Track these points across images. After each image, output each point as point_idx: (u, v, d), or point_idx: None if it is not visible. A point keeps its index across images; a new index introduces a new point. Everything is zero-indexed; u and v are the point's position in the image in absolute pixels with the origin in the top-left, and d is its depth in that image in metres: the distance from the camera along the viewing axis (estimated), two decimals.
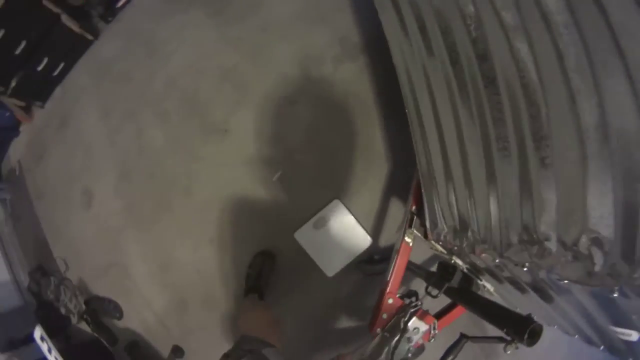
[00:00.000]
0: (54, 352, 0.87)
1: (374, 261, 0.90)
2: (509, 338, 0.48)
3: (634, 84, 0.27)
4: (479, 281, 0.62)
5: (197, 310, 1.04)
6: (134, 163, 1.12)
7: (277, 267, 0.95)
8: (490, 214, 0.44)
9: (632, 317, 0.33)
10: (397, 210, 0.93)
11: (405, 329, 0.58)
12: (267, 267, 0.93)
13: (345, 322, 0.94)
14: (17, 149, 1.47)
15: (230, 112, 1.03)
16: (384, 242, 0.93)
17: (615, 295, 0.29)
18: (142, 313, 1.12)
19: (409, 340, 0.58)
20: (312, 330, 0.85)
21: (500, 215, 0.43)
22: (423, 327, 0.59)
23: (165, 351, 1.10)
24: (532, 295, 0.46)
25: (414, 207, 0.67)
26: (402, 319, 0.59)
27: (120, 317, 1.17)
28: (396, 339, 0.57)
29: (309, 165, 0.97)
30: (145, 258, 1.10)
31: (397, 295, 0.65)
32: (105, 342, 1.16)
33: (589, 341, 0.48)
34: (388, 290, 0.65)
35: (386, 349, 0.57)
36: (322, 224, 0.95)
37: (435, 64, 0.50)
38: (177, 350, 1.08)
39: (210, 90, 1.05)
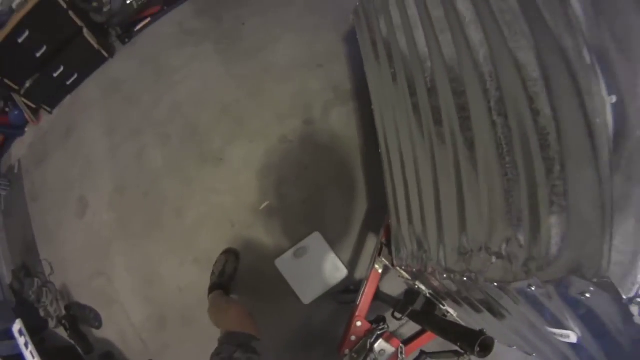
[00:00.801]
0: (31, 347, 0.88)
1: (349, 291, 0.94)
2: (462, 351, 0.52)
3: None
4: (441, 307, 0.67)
5: (176, 327, 1.05)
6: (131, 179, 1.16)
7: (241, 265, 0.98)
8: (437, 235, 0.53)
9: (560, 317, 0.37)
10: (373, 246, 0.99)
11: (371, 350, 0.62)
12: (230, 265, 0.95)
13: (316, 348, 0.96)
14: (19, 148, 1.50)
15: (226, 143, 1.10)
16: (359, 274, 0.98)
17: (533, 288, 0.34)
18: (120, 325, 1.13)
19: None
20: (284, 353, 0.88)
21: (444, 235, 0.51)
22: (389, 349, 0.63)
23: None
24: (487, 314, 0.51)
25: (384, 239, 0.73)
26: (369, 340, 0.63)
27: (99, 326, 1.17)
28: (362, 359, 0.61)
29: (294, 198, 1.03)
30: (131, 271, 1.12)
31: (366, 320, 0.69)
32: (80, 350, 1.16)
33: (548, 359, 0.51)
34: (357, 313, 0.70)
35: None
36: (302, 253, 1.00)
37: (402, 113, 0.61)
38: None
39: (211, 120, 1.12)
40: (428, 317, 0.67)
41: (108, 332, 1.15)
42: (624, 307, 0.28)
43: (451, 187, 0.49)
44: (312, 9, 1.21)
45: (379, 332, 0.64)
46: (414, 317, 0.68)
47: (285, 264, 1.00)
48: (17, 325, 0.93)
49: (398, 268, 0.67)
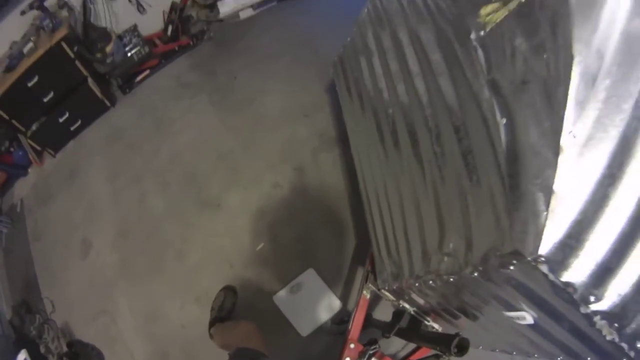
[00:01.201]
0: None
1: (343, 322, 1.01)
2: (441, 353, 0.60)
3: None
4: (426, 322, 0.75)
5: None
6: (134, 223, 1.23)
7: (240, 302, 1.04)
8: (406, 250, 0.64)
9: (511, 300, 0.43)
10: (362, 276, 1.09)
11: None
12: (228, 300, 1.01)
13: None
14: (22, 188, 1.55)
15: (223, 189, 1.20)
16: (352, 305, 1.06)
17: (475, 274, 0.42)
18: None
19: None
20: None
21: (412, 249, 0.62)
22: None
23: None
24: (464, 319, 0.59)
25: (369, 267, 0.82)
26: None
27: None
28: None
29: (288, 238, 1.13)
30: (134, 310, 1.18)
31: (359, 342, 0.76)
32: None
33: (524, 352, 0.59)
34: (350, 336, 0.76)
35: None
36: (298, 289, 1.08)
37: (372, 145, 0.75)
38: None
39: (208, 169, 1.22)
40: (411, 331, 0.75)
41: None
42: (536, 269, 0.32)
43: (411, 207, 0.62)
44: (299, 61, 1.35)
45: (371, 352, 0.71)
46: (401, 333, 0.75)
47: (282, 299, 1.07)
48: (22, 355, 0.96)
49: (383, 290, 0.75)
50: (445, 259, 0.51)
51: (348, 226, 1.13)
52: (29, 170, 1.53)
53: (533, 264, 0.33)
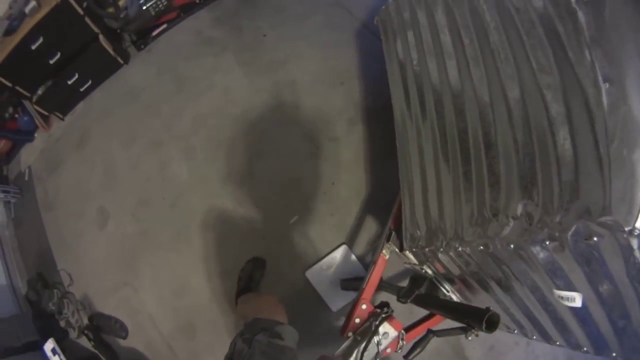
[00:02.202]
0: None
1: (356, 279, 0.95)
2: (469, 327, 0.54)
3: None
4: (445, 292, 0.69)
5: (206, 335, 1.04)
6: (155, 191, 1.12)
7: (267, 272, 0.98)
8: (455, 212, 0.57)
9: (570, 276, 0.40)
10: (394, 257, 1.02)
11: (375, 332, 0.61)
12: (258, 272, 0.97)
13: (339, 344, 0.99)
14: (29, 154, 1.42)
15: (252, 157, 1.07)
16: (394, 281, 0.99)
17: (547, 242, 0.38)
18: (148, 334, 1.11)
19: (379, 343, 0.61)
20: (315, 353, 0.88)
21: (462, 210, 0.55)
22: (392, 332, 0.62)
23: None
24: (495, 290, 0.53)
25: (392, 226, 0.74)
26: (374, 323, 0.62)
27: (126, 336, 1.14)
28: (366, 341, 0.61)
29: (322, 212, 1.03)
30: (157, 282, 1.10)
31: (371, 304, 0.69)
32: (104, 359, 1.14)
33: (546, 337, 0.54)
34: (363, 296, 0.69)
35: (356, 351, 0.60)
36: (331, 264, 1.01)
37: (425, 116, 0.67)
38: None
39: (237, 135, 1.09)
40: (433, 299, 0.68)
41: (134, 341, 1.13)
42: (625, 242, 0.31)
43: (469, 166, 0.55)
44: (331, 22, 1.18)
45: (383, 315, 0.64)
46: (419, 300, 0.68)
47: (315, 274, 1.01)
48: (50, 344, 0.89)
49: (407, 252, 0.68)
50: (511, 222, 0.45)
51: (383, 201, 1.03)
52: (35, 135, 1.39)
53: (625, 236, 0.32)
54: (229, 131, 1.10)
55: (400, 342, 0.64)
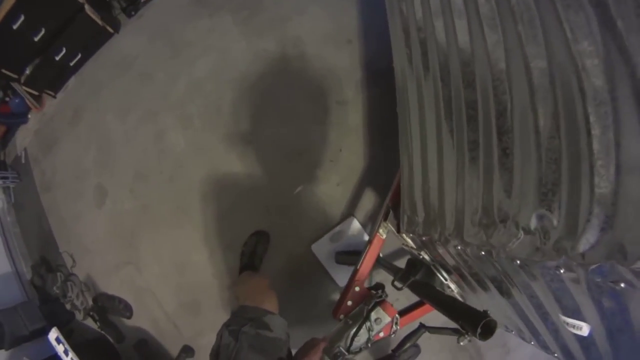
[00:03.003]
0: (71, 354, 0.81)
1: (350, 253, 0.89)
2: (463, 331, 0.47)
3: None
4: (444, 280, 0.61)
5: (211, 312, 1.00)
6: (153, 164, 1.04)
7: (271, 246, 0.93)
8: (457, 204, 0.46)
9: (580, 306, 0.33)
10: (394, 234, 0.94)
11: (367, 317, 0.56)
12: (261, 246, 0.91)
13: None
14: (24, 136, 1.35)
15: (254, 123, 0.98)
16: (392, 258, 0.93)
17: (562, 271, 0.29)
18: (152, 312, 1.06)
19: (370, 329, 0.56)
20: (319, 330, 0.82)
21: (465, 204, 0.45)
22: (385, 318, 0.57)
23: (174, 350, 1.05)
24: (493, 293, 0.46)
25: (390, 202, 0.66)
26: (366, 307, 0.57)
27: (130, 316, 1.11)
28: (357, 326, 0.56)
29: (328, 182, 0.95)
30: (160, 260, 1.04)
31: (365, 286, 0.64)
32: (111, 339, 1.10)
33: (545, 347, 0.47)
34: (356, 278, 0.64)
35: (346, 335, 0.55)
36: (338, 238, 0.94)
37: (428, 82, 0.54)
38: (187, 350, 1.03)
39: (235, 100, 1.00)
40: (430, 290, 0.60)
41: (139, 320, 1.09)
42: None
43: (476, 151, 0.42)
44: None
45: (377, 300, 0.58)
46: (415, 288, 0.61)
47: (321, 248, 0.94)
48: (54, 334, 0.85)
49: (404, 235, 0.60)
50: (521, 235, 0.34)
51: (394, 170, 0.94)
52: (29, 115, 1.32)
53: None
54: (228, 97, 1.01)
55: (394, 326, 0.58)
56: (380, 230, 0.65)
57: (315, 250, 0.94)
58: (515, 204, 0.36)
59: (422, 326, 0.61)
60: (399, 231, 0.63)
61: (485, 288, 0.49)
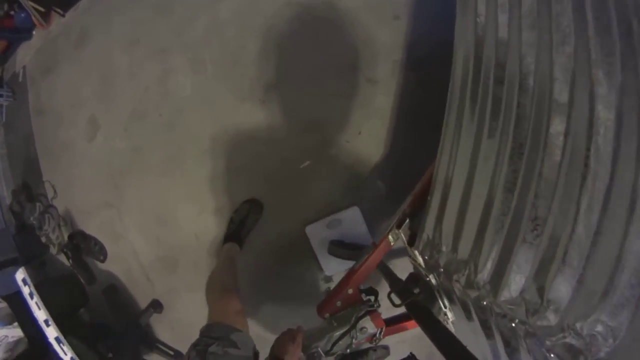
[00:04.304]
0: (36, 298, 0.73)
1: (343, 245, 0.82)
2: None
3: None
4: (443, 307, 0.54)
5: (187, 272, 0.92)
6: (153, 104, 0.92)
7: (263, 217, 0.85)
8: (502, 252, 0.36)
9: None
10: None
11: (354, 325, 0.53)
12: (252, 217, 0.84)
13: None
14: (25, 53, 1.21)
15: (271, 83, 0.86)
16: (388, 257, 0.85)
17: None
18: (127, 261, 0.98)
19: (353, 337, 0.53)
20: (296, 316, 0.75)
21: (509, 263, 0.35)
22: (371, 328, 0.53)
23: (143, 303, 0.98)
24: (498, 346, 0.38)
25: (408, 209, 0.58)
26: (356, 314, 0.54)
27: (104, 260, 1.03)
28: (342, 331, 0.52)
29: (339, 164, 0.84)
30: (143, 209, 0.95)
31: (359, 289, 0.58)
32: (82, 280, 1.03)
33: None
34: (352, 279, 0.58)
35: (328, 337, 0.52)
36: (335, 225, 0.85)
37: (494, 116, 0.43)
38: (156, 305, 0.97)
39: (257, 53, 0.87)
40: (430, 318, 0.53)
41: (112, 266, 1.01)
42: None
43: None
44: None
45: (369, 309, 0.54)
46: (414, 310, 0.54)
47: (315, 232, 0.85)
48: (21, 275, 0.77)
49: (416, 251, 0.52)
50: (569, 338, 0.27)
51: (414, 171, 0.84)
52: (34, 32, 1.19)
53: None
54: (250, 47, 0.88)
55: (378, 336, 0.53)
56: (390, 237, 0.57)
57: (308, 233, 0.86)
58: (576, 302, 0.28)
59: (413, 356, 0.54)
60: (411, 245, 0.54)
61: (489, 337, 0.40)
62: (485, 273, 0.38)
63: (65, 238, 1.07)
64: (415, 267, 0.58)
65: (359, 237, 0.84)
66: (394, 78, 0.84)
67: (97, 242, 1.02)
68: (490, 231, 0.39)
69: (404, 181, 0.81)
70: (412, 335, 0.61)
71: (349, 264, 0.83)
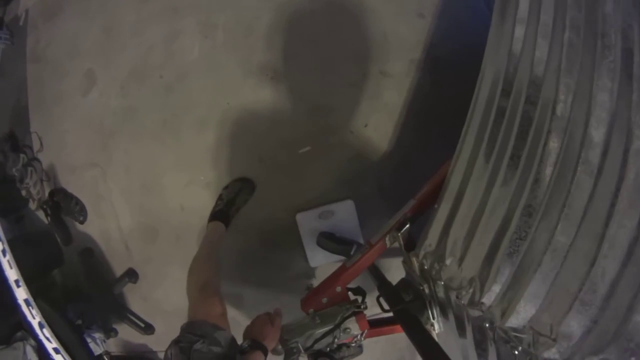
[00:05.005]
0: (9, 256, 0.67)
1: (333, 238, 0.78)
2: None
3: None
4: (431, 318, 0.52)
5: (167, 244, 0.87)
6: (154, 64, 0.86)
7: (253, 199, 0.80)
8: (503, 280, 0.34)
9: None
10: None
11: (338, 325, 0.50)
12: (242, 196, 0.79)
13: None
14: None
15: (284, 59, 0.81)
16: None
17: None
18: (107, 225, 0.92)
19: (336, 337, 0.50)
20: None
21: (521, 290, 0.32)
22: (355, 330, 0.51)
23: (119, 270, 0.92)
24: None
25: (410, 214, 0.55)
26: (342, 314, 0.51)
27: (83, 221, 0.97)
28: (325, 330, 0.50)
29: (340, 154, 0.80)
30: (129, 172, 0.89)
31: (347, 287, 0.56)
32: (59, 239, 0.97)
33: None
34: (341, 278, 0.55)
35: (309, 333, 0.49)
36: (327, 216, 0.81)
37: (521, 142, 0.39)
38: (132, 274, 0.92)
39: (273, 25, 0.81)
40: (417, 327, 0.50)
41: (91, 228, 0.95)
42: None
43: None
44: None
45: (355, 309, 0.52)
46: (403, 318, 0.52)
47: (306, 221, 0.81)
48: None
49: (413, 258, 0.50)
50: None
51: (417, 172, 0.79)
52: None
53: None
54: (265, 19, 0.82)
55: (359, 337, 0.51)
56: (387, 239, 0.54)
57: (299, 221, 0.81)
58: (591, 345, 0.25)
59: None
60: (408, 249, 0.51)
61: (481, 357, 0.38)
62: (492, 295, 0.35)
63: (47, 194, 1.01)
64: (408, 273, 0.55)
65: (349, 232, 0.81)
66: (409, 76, 0.80)
67: (78, 202, 0.96)
68: (502, 253, 0.35)
69: (403, 182, 0.78)
70: (386, 338, 0.58)
71: (335, 257, 0.80)
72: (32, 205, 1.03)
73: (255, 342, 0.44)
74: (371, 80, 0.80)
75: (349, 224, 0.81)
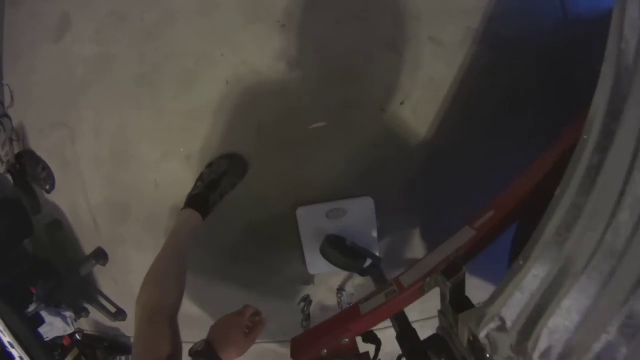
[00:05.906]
0: None
1: (343, 248, 0.57)
2: None
3: None
4: None
5: (139, 224, 0.71)
6: (137, 6, 0.67)
7: (243, 182, 0.60)
8: None
9: None
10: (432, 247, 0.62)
11: None
12: (229, 179, 0.59)
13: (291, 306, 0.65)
14: None
15: (304, 7, 0.58)
16: (390, 272, 0.62)
17: None
18: (74, 196, 0.78)
19: None
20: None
21: None
22: None
23: (88, 248, 0.79)
24: None
25: (463, 251, 0.38)
26: None
27: (50, 190, 0.82)
28: None
29: (362, 137, 0.60)
30: (100, 137, 0.72)
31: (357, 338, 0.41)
32: (28, 208, 0.84)
33: None
34: (351, 326, 0.41)
35: None
36: (337, 215, 0.62)
37: None
38: (100, 255, 0.78)
39: None
40: None
41: (59, 198, 0.81)
42: None
43: None
44: None
45: None
46: None
47: (308, 218, 0.62)
48: None
49: (465, 327, 0.31)
50: None
51: (472, 183, 0.58)
52: None
53: None
54: None
55: None
56: (426, 283, 0.37)
57: (299, 216, 0.63)
58: None
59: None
60: (456, 308, 0.33)
61: None
62: None
63: (14, 157, 0.87)
64: (444, 329, 0.37)
65: (363, 240, 0.61)
66: (463, 49, 0.58)
67: (45, 167, 0.81)
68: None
69: (442, 185, 0.58)
70: None
71: (340, 270, 0.60)
72: (1, 168, 0.90)
73: (208, 347, 0.33)
74: (416, 46, 0.58)
75: (364, 228, 0.62)
